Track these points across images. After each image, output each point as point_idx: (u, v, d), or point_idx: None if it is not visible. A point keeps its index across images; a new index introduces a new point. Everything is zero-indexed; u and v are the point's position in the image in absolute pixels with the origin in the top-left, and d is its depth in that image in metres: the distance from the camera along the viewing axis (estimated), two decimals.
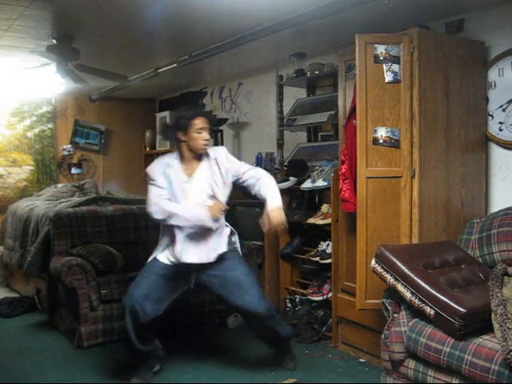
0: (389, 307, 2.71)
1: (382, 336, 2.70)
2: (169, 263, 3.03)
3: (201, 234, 2.98)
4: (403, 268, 2.56)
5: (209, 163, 3.04)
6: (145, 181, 3.27)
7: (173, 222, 2.93)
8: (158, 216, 2.94)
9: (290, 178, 4.10)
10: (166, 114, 6.65)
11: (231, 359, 3.38)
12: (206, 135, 2.99)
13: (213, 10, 3.32)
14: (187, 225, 2.93)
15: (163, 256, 3.05)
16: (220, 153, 3.08)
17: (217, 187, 3.02)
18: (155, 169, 3.02)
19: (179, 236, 2.97)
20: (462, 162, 3.22)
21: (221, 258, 3.03)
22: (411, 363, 2.56)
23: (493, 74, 3.32)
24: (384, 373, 2.72)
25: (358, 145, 3.02)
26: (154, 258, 3.07)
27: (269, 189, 3.01)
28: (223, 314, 4.08)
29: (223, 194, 3.05)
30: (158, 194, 2.95)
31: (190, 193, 2.99)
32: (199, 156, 3.03)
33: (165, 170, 3.00)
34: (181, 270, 3.03)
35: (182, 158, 3.04)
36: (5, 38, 3.94)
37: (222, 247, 3.05)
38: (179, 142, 3.01)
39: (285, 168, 4.35)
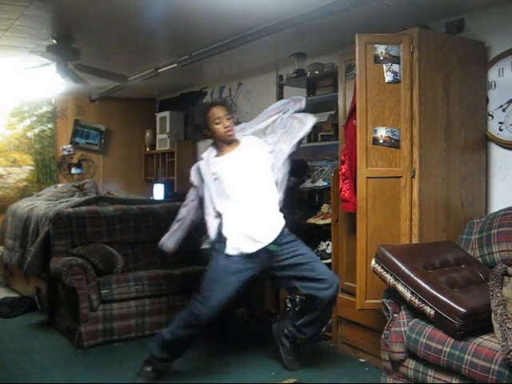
0: (389, 307, 2.71)
1: (382, 336, 2.70)
2: (240, 254, 2.92)
3: (263, 209, 2.99)
4: (403, 268, 2.56)
5: (247, 145, 3.10)
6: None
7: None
8: None
9: (290, 178, 4.09)
10: (166, 113, 6.66)
11: (231, 359, 3.38)
12: (225, 122, 3.02)
13: (213, 10, 3.32)
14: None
15: (233, 248, 2.93)
16: (253, 139, 3.15)
17: (262, 165, 3.06)
18: (191, 172, 3.16)
19: (247, 217, 2.94)
20: (462, 162, 3.22)
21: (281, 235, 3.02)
22: (411, 363, 2.56)
23: (493, 74, 3.32)
24: (384, 373, 2.72)
25: (358, 145, 3.02)
26: (226, 256, 2.92)
27: None
28: (223, 313, 4.07)
29: (269, 174, 3.07)
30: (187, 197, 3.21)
31: (230, 168, 3.01)
32: (232, 143, 3.09)
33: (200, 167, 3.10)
34: (255, 257, 2.93)
35: (219, 151, 3.11)
36: (5, 38, 3.94)
37: (281, 222, 3.05)
38: (209, 138, 3.14)
39: None
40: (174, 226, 3.22)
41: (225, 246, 2.93)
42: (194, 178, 3.16)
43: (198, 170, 3.12)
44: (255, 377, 3.14)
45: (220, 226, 2.99)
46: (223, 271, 2.91)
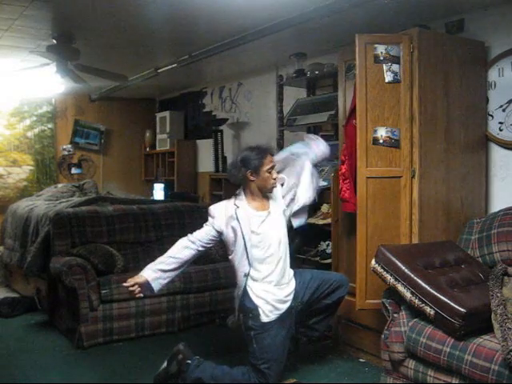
0: (389, 307, 2.71)
1: (382, 336, 2.70)
2: (276, 317, 2.83)
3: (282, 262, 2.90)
4: (403, 268, 2.56)
5: (274, 198, 2.97)
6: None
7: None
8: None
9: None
10: (166, 113, 6.66)
11: (231, 359, 3.38)
12: (275, 174, 2.88)
13: (213, 9, 3.32)
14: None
15: (266, 316, 2.82)
16: (278, 192, 3.02)
17: (284, 223, 2.96)
18: (216, 211, 2.88)
19: (276, 280, 2.85)
20: (462, 162, 3.22)
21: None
22: (411, 363, 2.55)
23: (493, 74, 3.32)
24: (384, 373, 2.72)
25: (358, 145, 3.02)
26: (262, 325, 2.80)
27: None
28: (223, 314, 4.07)
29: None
30: (199, 234, 2.88)
31: (269, 229, 2.86)
32: (266, 193, 2.94)
33: (231, 218, 2.83)
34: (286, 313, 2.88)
35: (250, 197, 2.90)
36: (5, 38, 3.94)
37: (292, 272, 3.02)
38: (247, 182, 2.87)
39: None
40: (167, 265, 2.86)
41: (258, 316, 2.81)
42: (219, 221, 2.85)
43: (233, 218, 2.82)
44: None
45: (243, 295, 2.84)
46: (269, 340, 2.80)
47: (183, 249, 2.87)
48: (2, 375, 3.16)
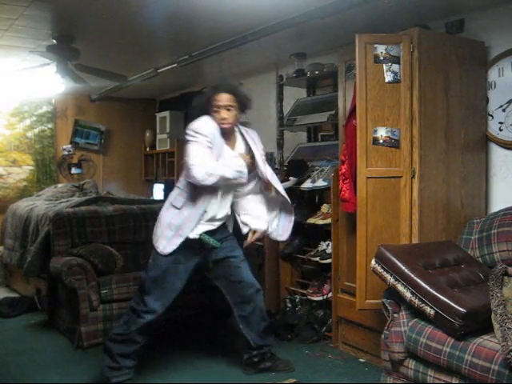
0: (389, 307, 2.71)
1: (382, 336, 2.70)
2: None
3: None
4: (403, 268, 2.56)
5: (250, 138, 3.04)
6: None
7: (213, 178, 2.75)
8: (199, 176, 2.73)
9: (290, 177, 4.10)
10: (166, 113, 6.66)
11: (231, 359, 3.38)
12: (223, 114, 2.86)
13: (213, 9, 3.32)
14: (230, 175, 2.80)
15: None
16: (253, 132, 3.12)
17: (262, 160, 3.01)
18: (206, 126, 2.85)
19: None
20: (462, 161, 3.22)
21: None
22: (411, 363, 2.55)
23: (493, 74, 3.32)
24: (384, 373, 2.72)
25: (358, 145, 3.02)
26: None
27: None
28: (223, 313, 4.07)
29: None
30: (202, 154, 2.77)
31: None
32: (232, 132, 2.98)
33: (214, 132, 2.86)
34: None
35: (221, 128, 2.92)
36: (5, 38, 3.94)
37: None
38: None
39: (285, 168, 4.35)
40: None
41: None
42: (208, 133, 2.83)
43: (216, 131, 2.86)
44: (255, 377, 3.14)
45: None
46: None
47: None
48: (2, 375, 3.16)
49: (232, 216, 3.13)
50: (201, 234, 2.93)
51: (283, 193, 3.11)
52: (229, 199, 3.01)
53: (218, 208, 2.95)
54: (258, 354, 3.17)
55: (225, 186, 2.92)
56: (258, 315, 3.14)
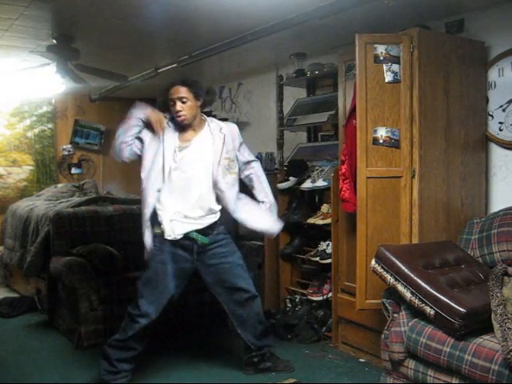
0: (389, 307, 2.71)
1: (382, 336, 2.70)
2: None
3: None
4: (403, 268, 2.56)
5: (210, 135, 2.97)
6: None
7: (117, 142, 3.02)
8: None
9: (290, 178, 4.10)
10: (166, 114, 6.64)
11: (231, 359, 3.38)
12: (177, 106, 2.87)
13: (213, 9, 3.32)
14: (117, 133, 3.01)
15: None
16: (231, 129, 3.08)
17: (217, 164, 2.93)
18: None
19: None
20: (461, 161, 3.22)
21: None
22: (411, 363, 2.56)
23: (493, 74, 3.32)
24: (384, 373, 2.72)
25: (358, 145, 3.02)
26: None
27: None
28: (223, 314, 4.07)
29: (226, 172, 2.96)
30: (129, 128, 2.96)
31: (182, 160, 2.91)
32: (194, 126, 2.97)
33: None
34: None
35: (178, 125, 2.95)
36: (5, 38, 3.94)
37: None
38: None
39: (285, 168, 4.35)
40: None
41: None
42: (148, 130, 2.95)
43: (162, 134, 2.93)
44: (255, 377, 3.14)
45: None
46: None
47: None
48: (2, 375, 3.16)
49: (222, 220, 3.06)
50: (189, 232, 2.92)
51: (231, 203, 3.02)
52: (202, 199, 2.94)
53: (184, 205, 2.92)
54: (258, 355, 3.17)
55: (180, 184, 2.93)
56: (254, 319, 3.13)
